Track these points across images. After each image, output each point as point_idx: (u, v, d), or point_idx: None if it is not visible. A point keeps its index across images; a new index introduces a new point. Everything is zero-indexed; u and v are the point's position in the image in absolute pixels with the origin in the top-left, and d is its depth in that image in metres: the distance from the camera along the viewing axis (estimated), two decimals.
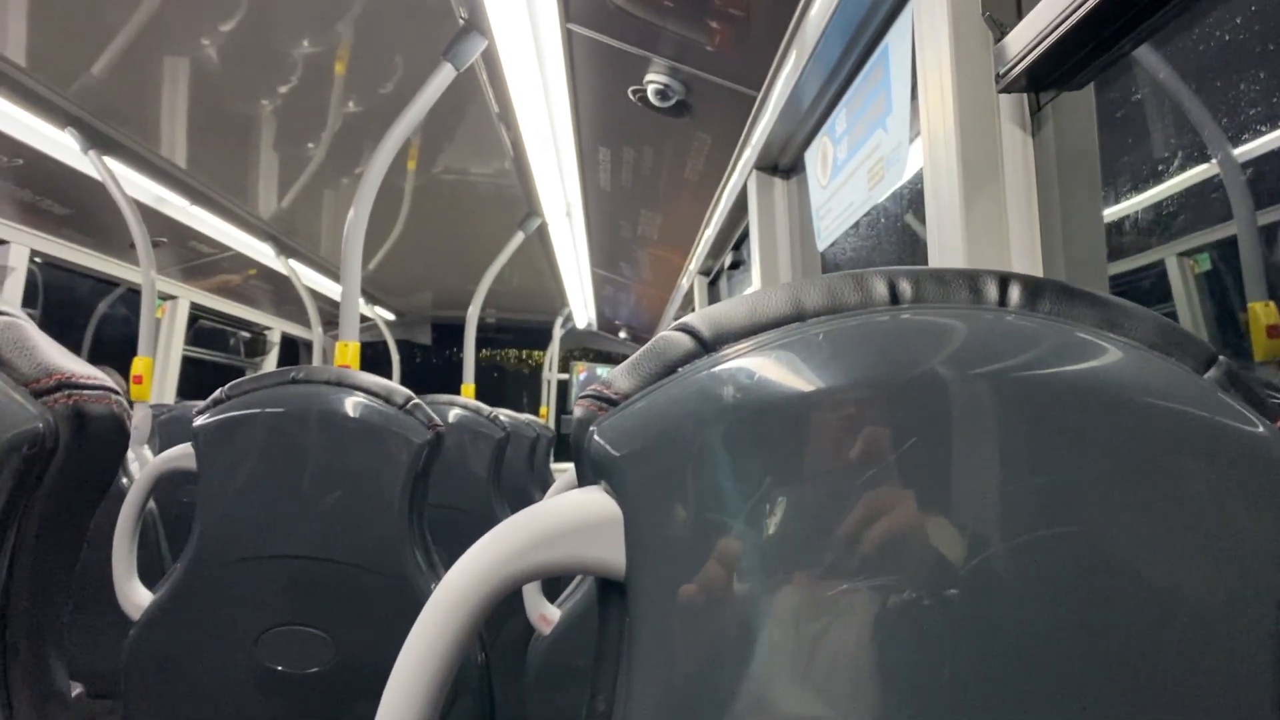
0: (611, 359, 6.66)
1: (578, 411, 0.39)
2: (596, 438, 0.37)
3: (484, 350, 6.06)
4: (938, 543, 0.32)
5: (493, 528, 0.38)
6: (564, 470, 1.03)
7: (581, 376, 6.50)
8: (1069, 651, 0.31)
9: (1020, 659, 0.31)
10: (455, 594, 0.36)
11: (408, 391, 1.11)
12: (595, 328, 6.17)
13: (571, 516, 0.36)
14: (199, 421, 1.07)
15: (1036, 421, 0.33)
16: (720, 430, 0.35)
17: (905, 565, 0.32)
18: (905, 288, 0.37)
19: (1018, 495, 0.32)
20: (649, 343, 0.39)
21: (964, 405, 0.33)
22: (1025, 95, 0.91)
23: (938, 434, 0.33)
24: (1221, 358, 0.34)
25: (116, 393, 0.45)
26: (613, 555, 0.36)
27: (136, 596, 1.10)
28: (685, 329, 0.38)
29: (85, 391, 0.43)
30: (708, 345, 0.37)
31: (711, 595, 0.34)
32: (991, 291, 0.36)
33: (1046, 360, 0.34)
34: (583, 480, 0.39)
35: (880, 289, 0.37)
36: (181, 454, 1.09)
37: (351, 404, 1.07)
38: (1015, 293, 0.36)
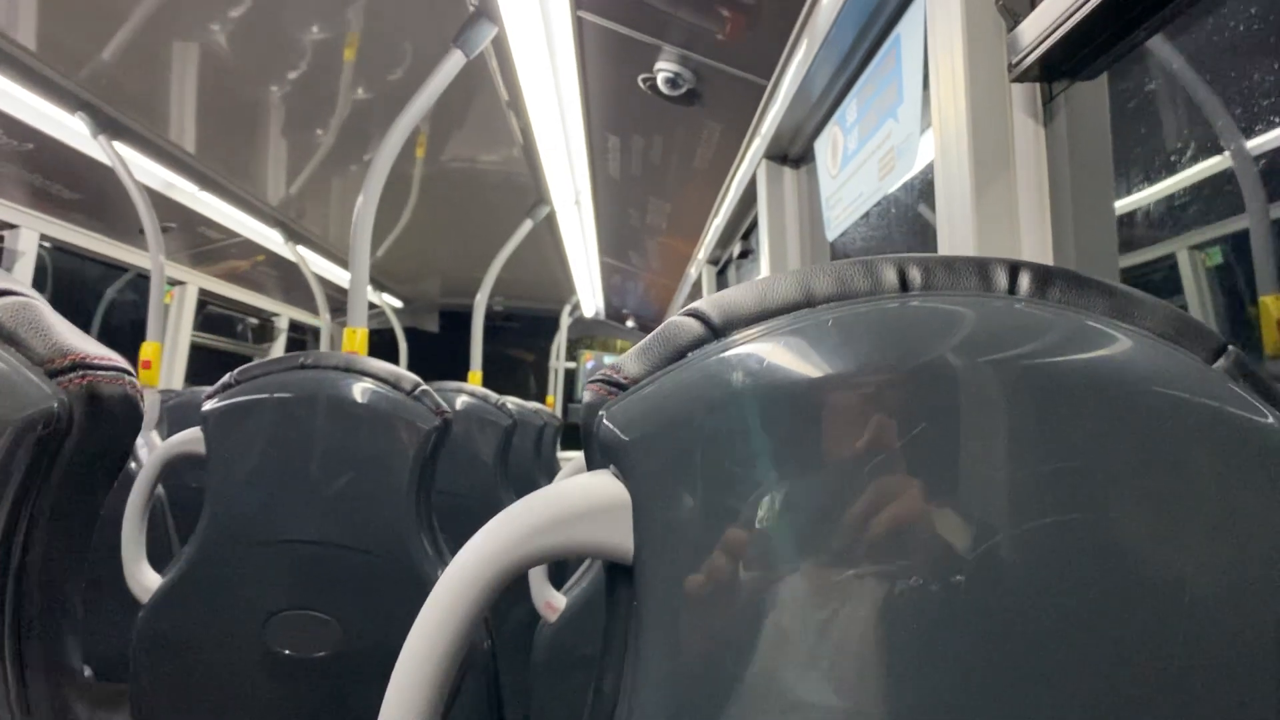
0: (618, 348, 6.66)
1: (587, 395, 0.39)
2: (605, 421, 0.37)
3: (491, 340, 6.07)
4: (946, 529, 0.32)
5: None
6: (570, 459, 1.03)
7: (589, 365, 6.51)
8: (1076, 638, 0.31)
9: (1028, 645, 0.32)
10: (465, 575, 0.37)
11: (416, 377, 1.11)
12: (603, 316, 6.16)
13: (580, 500, 0.37)
14: (208, 406, 1.07)
15: (1045, 409, 0.33)
16: (729, 415, 0.35)
17: (913, 552, 0.33)
18: (915, 275, 0.37)
19: (1026, 483, 0.32)
20: (659, 328, 0.39)
21: (972, 393, 0.33)
22: (1038, 85, 0.90)
23: (946, 421, 0.33)
24: (1231, 348, 0.34)
25: (130, 373, 0.46)
26: (621, 539, 0.36)
27: (145, 579, 1.10)
28: (695, 314, 0.38)
29: (99, 372, 0.44)
30: (717, 330, 0.37)
31: (720, 579, 0.34)
32: (1001, 279, 0.36)
33: (1056, 348, 0.34)
34: (591, 464, 0.39)
35: (889, 276, 0.37)
36: (191, 438, 1.09)
37: (360, 389, 1.07)
38: (1025, 281, 0.36)
